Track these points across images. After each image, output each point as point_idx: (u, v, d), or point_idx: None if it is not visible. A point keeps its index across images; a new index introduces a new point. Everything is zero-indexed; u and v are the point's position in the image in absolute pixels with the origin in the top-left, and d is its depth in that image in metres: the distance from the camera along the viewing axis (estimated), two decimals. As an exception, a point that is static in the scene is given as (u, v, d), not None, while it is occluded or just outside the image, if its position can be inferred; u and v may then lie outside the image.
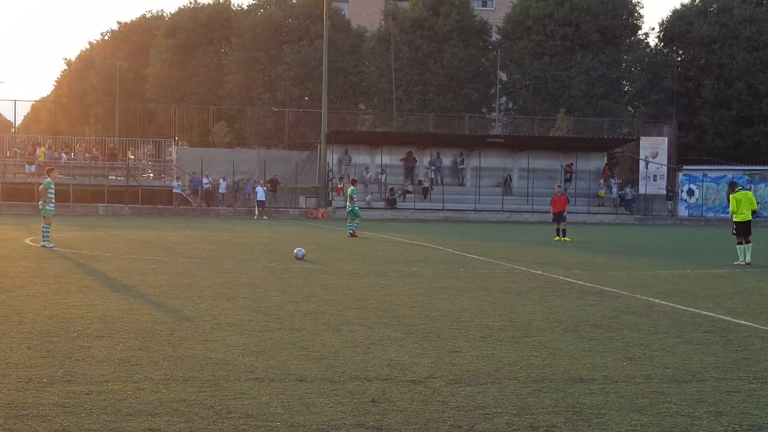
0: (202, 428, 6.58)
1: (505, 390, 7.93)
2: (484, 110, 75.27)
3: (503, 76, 74.42)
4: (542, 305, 13.77)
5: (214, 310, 12.49)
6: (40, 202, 25.21)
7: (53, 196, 25.10)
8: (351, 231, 33.37)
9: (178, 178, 60.30)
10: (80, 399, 7.29)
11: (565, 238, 33.41)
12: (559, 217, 34.27)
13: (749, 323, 12.32)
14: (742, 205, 22.65)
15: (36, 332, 10.38)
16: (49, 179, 25.15)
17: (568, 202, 36.84)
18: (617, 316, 12.71)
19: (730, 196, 23.19)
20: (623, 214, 60.18)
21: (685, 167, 62.79)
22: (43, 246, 23.82)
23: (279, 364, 8.83)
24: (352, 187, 35.17)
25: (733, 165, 63.39)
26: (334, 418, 6.91)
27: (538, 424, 6.87)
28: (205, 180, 59.09)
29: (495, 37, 77.29)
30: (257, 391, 7.71)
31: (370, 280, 17.18)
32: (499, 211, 58.86)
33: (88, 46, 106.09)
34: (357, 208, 34.40)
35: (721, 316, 12.93)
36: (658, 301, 14.61)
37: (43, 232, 24.29)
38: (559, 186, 40.12)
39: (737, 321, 12.51)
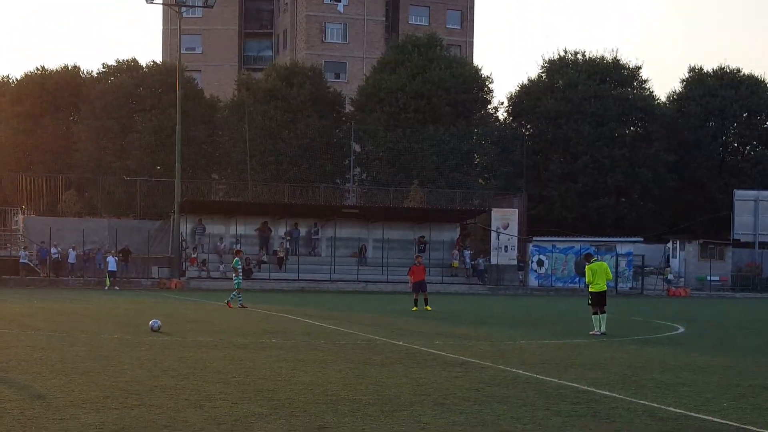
0: None
1: (380, 466, 7.75)
2: (338, 181, 75.57)
3: (357, 147, 75.00)
4: (408, 377, 13.65)
5: (68, 386, 11.94)
6: None
7: None
8: (238, 302, 33.04)
9: (25, 247, 58.26)
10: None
11: (427, 307, 33.50)
12: (420, 286, 34.38)
13: (613, 394, 12.47)
14: (597, 276, 23.09)
15: None
16: None
17: (426, 271, 37.12)
18: (483, 388, 12.69)
19: (586, 267, 23.58)
20: (476, 284, 60.96)
21: (534, 238, 64.22)
22: None
23: (141, 444, 8.43)
24: (236, 259, 34.81)
25: (580, 236, 65.20)
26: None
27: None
28: (53, 250, 57.20)
29: (348, 108, 78.02)
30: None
31: (230, 352, 16.77)
32: (354, 281, 58.81)
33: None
34: (241, 279, 34.30)
35: (586, 387, 13.06)
36: (522, 372, 14.69)
37: None
38: (419, 256, 40.39)
39: (601, 392, 12.65)
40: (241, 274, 34.34)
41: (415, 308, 33.70)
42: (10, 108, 78.90)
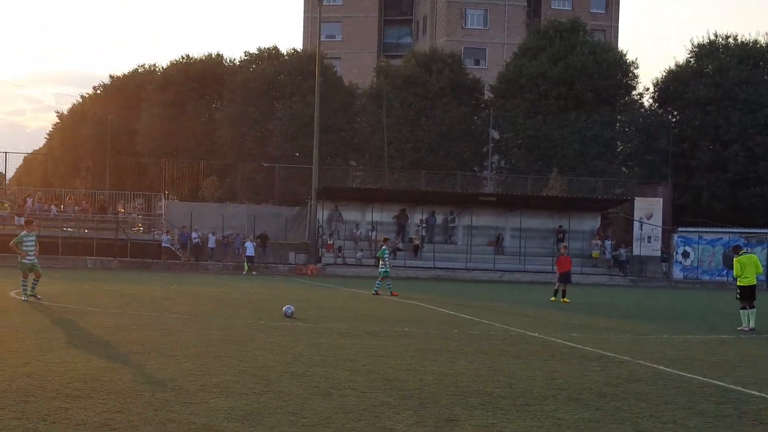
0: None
1: (510, 464, 7.39)
2: (476, 168, 75.02)
3: (495, 135, 74.31)
4: (542, 370, 13.22)
5: (200, 370, 11.95)
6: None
7: (29, 248, 24.22)
8: (384, 290, 33.11)
9: (167, 232, 59.73)
10: (51, 468, 6.74)
11: (565, 299, 32.83)
12: (565, 278, 33.68)
13: (762, 394, 11.78)
14: (746, 269, 22.10)
15: (13, 390, 9.84)
16: (22, 233, 24.40)
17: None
18: (621, 384, 12.17)
19: (735, 259, 22.61)
20: (617, 275, 59.65)
21: (680, 229, 62.41)
22: (24, 300, 23.27)
23: (266, 431, 8.28)
24: (384, 248, 34.65)
25: (729, 227, 63.02)
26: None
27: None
28: (194, 234, 58.52)
29: (487, 95, 77.31)
30: (243, 461, 7.16)
31: (361, 340, 16.62)
32: (490, 270, 58.28)
33: (80, 100, 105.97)
34: (388, 269, 33.95)
35: (732, 386, 12.37)
36: (663, 368, 14.06)
37: (24, 284, 23.75)
38: (566, 246, 39.58)
39: (749, 391, 11.96)
40: (387, 263, 33.95)
41: (553, 298, 33.08)
42: (156, 96, 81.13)
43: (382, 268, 33.76)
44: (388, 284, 33.47)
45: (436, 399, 10.39)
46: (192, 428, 8.27)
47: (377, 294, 32.88)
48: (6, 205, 62.71)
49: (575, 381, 12.25)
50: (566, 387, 11.67)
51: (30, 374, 11.02)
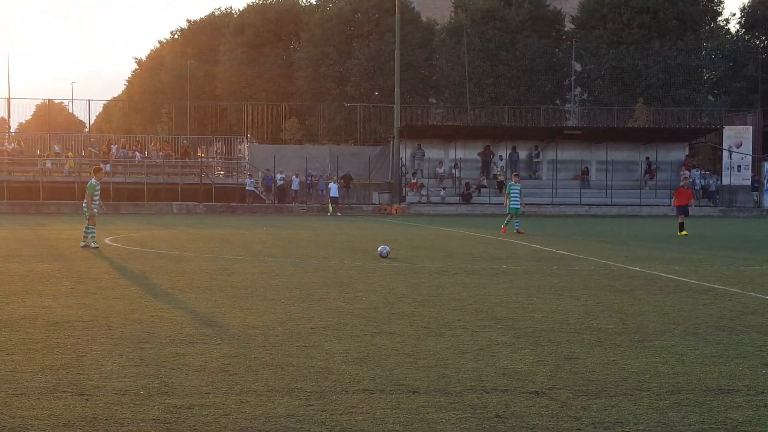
0: (319, 451, 5.96)
1: (641, 404, 7.19)
2: (558, 102, 74.11)
3: (578, 67, 73.17)
4: (652, 305, 12.94)
5: (307, 313, 11.91)
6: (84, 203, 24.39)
7: (97, 198, 24.22)
8: (510, 227, 32.48)
9: (250, 175, 60.15)
10: (182, 414, 6.72)
11: (683, 232, 31.97)
12: (683, 210, 32.77)
13: None
14: None
15: (126, 338, 9.89)
16: (94, 181, 24.32)
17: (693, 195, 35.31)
18: (737, 317, 11.84)
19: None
20: (707, 206, 58.56)
21: (771, 157, 61.11)
22: (83, 246, 23.31)
23: (386, 374, 8.18)
24: (511, 182, 33.91)
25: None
26: (461, 438, 6.25)
27: (691, 444, 6.13)
28: (279, 176, 58.82)
29: (569, 26, 76.05)
30: (369, 404, 7.07)
31: (461, 278, 16.47)
32: (576, 204, 57.70)
33: (158, 45, 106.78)
34: (518, 205, 32.78)
35: None
36: (776, 299, 13.70)
37: (89, 232, 23.66)
38: (686, 178, 38.56)
39: None
40: (512, 198, 32.80)
41: (684, 232, 31.96)
42: (233, 39, 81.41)
43: (514, 204, 32.68)
44: (517, 222, 32.70)
45: (550, 337, 10.20)
46: (312, 372, 8.21)
47: (519, 232, 32.00)
48: (93, 152, 63.68)
49: (688, 315, 11.96)
50: (680, 321, 11.39)
51: (140, 321, 11.08)
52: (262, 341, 9.75)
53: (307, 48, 76.48)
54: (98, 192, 24.24)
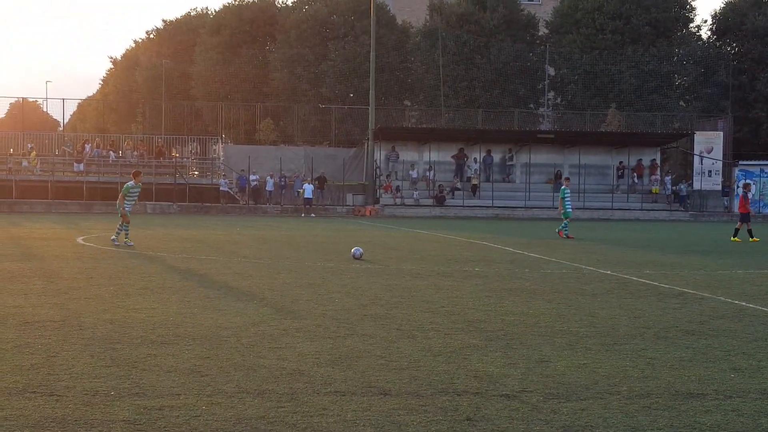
0: (290, 452, 5.98)
1: (611, 407, 7.25)
2: (532, 105, 74.34)
3: (551, 71, 73.46)
4: (623, 309, 13.03)
5: (279, 314, 11.93)
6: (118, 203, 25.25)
7: (133, 197, 25.56)
8: (565, 233, 32.28)
9: (224, 175, 59.98)
10: (152, 415, 6.73)
11: (754, 238, 31.95)
12: (745, 217, 32.78)
13: None
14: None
15: (98, 338, 9.86)
16: (129, 183, 25.40)
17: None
18: (707, 321, 11.94)
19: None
20: (677, 210, 58.97)
21: (741, 162, 61.44)
22: (125, 243, 24.21)
23: (358, 376, 8.21)
24: (563, 187, 33.62)
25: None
26: (432, 441, 6.28)
27: (660, 448, 6.19)
28: (252, 177, 58.69)
29: (543, 31, 76.31)
30: (340, 406, 7.10)
31: (434, 281, 16.51)
32: (549, 207, 57.84)
33: (133, 45, 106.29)
34: (569, 209, 32.78)
35: (822, 321, 12.12)
36: (745, 304, 13.80)
37: (122, 229, 24.72)
38: (748, 185, 38.54)
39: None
40: (566, 203, 32.66)
41: (754, 239, 32.02)
42: (209, 39, 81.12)
43: (569, 207, 32.62)
44: (565, 225, 32.51)
45: (521, 340, 10.26)
46: (283, 373, 8.23)
47: (567, 237, 31.87)
48: (67, 150, 63.31)
49: (659, 319, 12.06)
50: (651, 325, 11.48)
51: (112, 321, 11.05)
52: (234, 342, 9.76)
53: (282, 49, 76.36)
54: (133, 193, 25.43)
